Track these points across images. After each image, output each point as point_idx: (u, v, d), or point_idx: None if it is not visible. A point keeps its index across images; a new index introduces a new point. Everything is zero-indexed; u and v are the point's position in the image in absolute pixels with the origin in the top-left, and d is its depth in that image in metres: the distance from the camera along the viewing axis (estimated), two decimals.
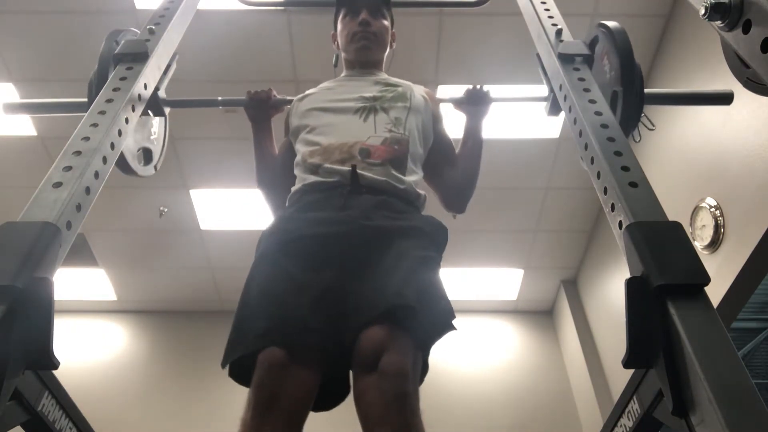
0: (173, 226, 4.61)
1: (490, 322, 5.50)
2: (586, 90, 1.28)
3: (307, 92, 1.57)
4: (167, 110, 1.59)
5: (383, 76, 1.61)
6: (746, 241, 2.90)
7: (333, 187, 1.29)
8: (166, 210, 4.48)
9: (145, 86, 1.39)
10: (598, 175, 1.09)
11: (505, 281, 5.37)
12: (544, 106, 1.56)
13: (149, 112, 1.52)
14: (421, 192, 1.39)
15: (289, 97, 1.63)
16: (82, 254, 4.97)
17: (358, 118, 1.41)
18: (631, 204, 0.96)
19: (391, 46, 1.68)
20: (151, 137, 1.65)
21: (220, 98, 1.67)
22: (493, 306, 5.53)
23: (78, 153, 1.09)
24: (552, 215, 4.68)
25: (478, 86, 1.58)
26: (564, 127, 3.98)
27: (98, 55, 1.48)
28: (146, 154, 1.61)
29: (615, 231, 1.00)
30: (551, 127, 4.03)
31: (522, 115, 4.09)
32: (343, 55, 1.65)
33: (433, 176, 1.53)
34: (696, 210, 3.28)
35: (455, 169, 1.54)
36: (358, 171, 1.29)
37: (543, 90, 1.53)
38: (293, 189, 1.38)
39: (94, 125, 1.17)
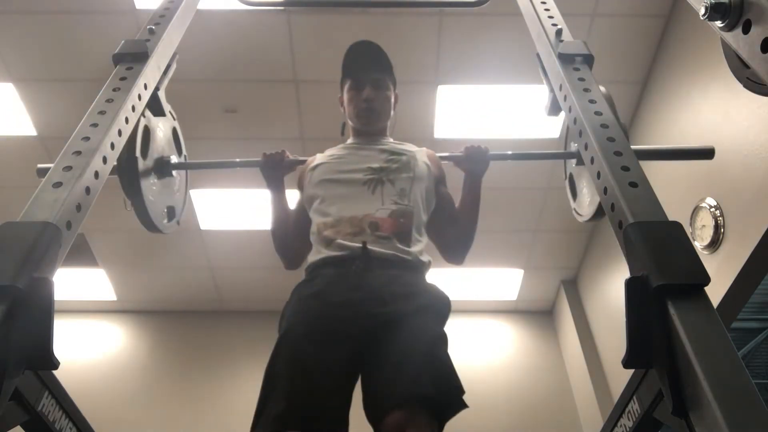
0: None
1: (490, 322, 5.50)
2: (586, 90, 1.28)
3: (317, 161, 1.66)
4: (179, 173, 1.72)
5: (389, 142, 1.70)
6: (746, 241, 2.90)
7: (346, 262, 1.39)
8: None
9: (145, 86, 1.39)
10: (598, 175, 1.09)
11: (505, 281, 5.37)
12: (544, 105, 1.57)
13: (172, 173, 1.63)
14: (425, 259, 1.49)
15: (301, 158, 1.72)
16: (82, 254, 4.97)
17: (367, 189, 1.52)
18: (631, 204, 0.96)
19: (394, 109, 1.77)
20: (174, 195, 1.69)
21: (238, 159, 1.79)
22: (493, 306, 5.53)
23: (78, 153, 1.09)
24: (552, 215, 4.67)
25: (477, 145, 1.66)
26: (564, 126, 3.98)
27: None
28: (170, 212, 1.68)
29: (615, 231, 1.00)
30: (551, 127, 4.03)
31: (522, 116, 4.09)
32: (349, 122, 1.74)
33: (434, 232, 1.62)
34: (696, 210, 3.28)
35: (455, 225, 1.64)
36: (368, 247, 1.39)
37: (547, 123, 1.54)
38: (310, 260, 1.48)
39: (94, 125, 1.17)
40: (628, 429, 1.16)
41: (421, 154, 1.65)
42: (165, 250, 4.91)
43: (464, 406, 1.21)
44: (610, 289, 4.61)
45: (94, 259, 5.09)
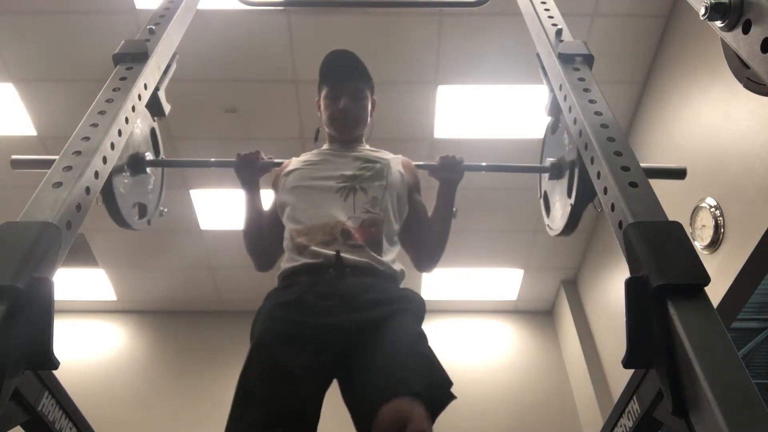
0: (173, 226, 4.60)
1: (490, 322, 5.50)
2: (586, 90, 1.28)
3: (292, 165, 1.66)
4: (155, 173, 1.69)
5: (365, 149, 1.70)
6: (746, 241, 2.90)
7: (320, 269, 1.39)
8: (166, 210, 4.48)
9: (145, 86, 1.39)
10: (598, 175, 1.09)
11: (505, 281, 5.37)
12: (544, 105, 1.57)
13: (146, 170, 1.60)
14: (398, 268, 1.49)
15: (276, 160, 1.71)
16: (82, 254, 4.96)
17: (339, 197, 1.51)
18: (631, 204, 0.96)
19: (371, 116, 1.76)
20: (148, 193, 1.67)
21: (213, 159, 1.81)
22: (493, 306, 5.53)
23: (78, 153, 1.09)
24: None
25: (452, 155, 1.66)
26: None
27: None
28: (141, 209, 1.64)
29: (615, 231, 1.00)
30: None
31: (522, 116, 4.09)
32: (326, 129, 1.74)
33: (406, 239, 1.62)
34: (696, 210, 3.28)
35: (427, 233, 1.63)
36: (342, 255, 1.39)
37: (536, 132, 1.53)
38: (283, 267, 1.47)
39: (94, 125, 1.17)
40: (628, 429, 1.16)
41: (396, 162, 1.65)
42: (165, 250, 4.91)
43: (453, 397, 1.21)
44: (610, 289, 4.61)
45: (94, 259, 5.09)
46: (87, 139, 1.12)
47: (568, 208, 1.50)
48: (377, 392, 1.16)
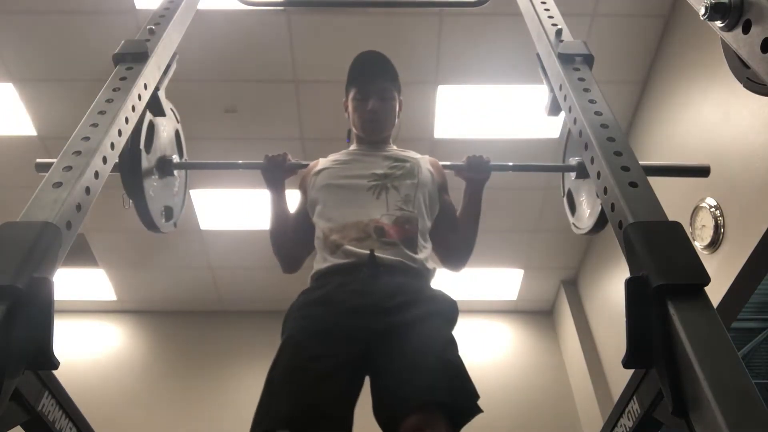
0: None
1: (490, 322, 5.50)
2: (586, 90, 1.27)
3: (321, 165, 1.67)
4: (179, 174, 1.73)
5: (393, 149, 1.71)
6: (746, 241, 2.90)
7: (354, 269, 1.38)
8: None
9: (145, 86, 1.39)
10: (598, 175, 1.09)
11: (505, 281, 5.37)
12: (544, 105, 1.56)
13: (173, 172, 1.63)
14: (431, 267, 1.49)
15: (303, 162, 1.72)
16: (82, 254, 4.97)
17: (372, 195, 1.52)
18: (631, 204, 0.96)
19: (398, 117, 1.77)
20: (174, 195, 1.69)
21: (240, 161, 1.80)
22: (493, 306, 5.53)
23: (78, 153, 1.09)
24: (552, 215, 4.67)
25: (479, 155, 1.67)
26: (564, 126, 3.99)
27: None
28: (168, 212, 1.66)
29: (615, 231, 1.00)
30: (551, 127, 4.03)
31: (522, 116, 4.09)
32: (353, 130, 1.74)
33: (435, 239, 1.62)
34: (696, 210, 3.28)
35: (456, 233, 1.64)
36: (376, 254, 1.38)
37: (546, 125, 1.54)
38: (316, 267, 1.47)
39: (94, 125, 1.17)
40: (628, 429, 1.15)
41: (424, 162, 1.66)
42: (165, 250, 4.92)
43: (479, 410, 1.21)
44: (610, 289, 4.61)
45: (94, 259, 5.09)
46: (87, 139, 1.12)
47: (598, 207, 1.50)
48: (403, 401, 1.16)
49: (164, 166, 1.60)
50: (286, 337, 1.32)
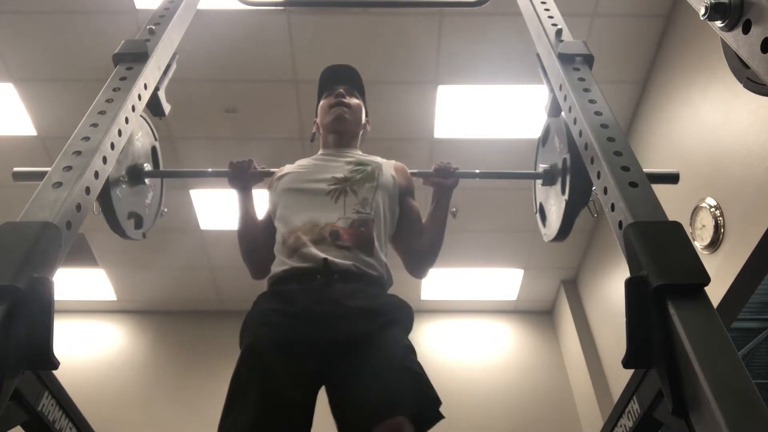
0: (173, 226, 4.60)
1: (490, 322, 5.50)
2: (586, 90, 1.28)
3: (285, 170, 1.69)
4: (154, 187, 1.71)
5: (357, 153, 1.72)
6: (746, 241, 2.90)
7: (308, 276, 1.39)
8: (165, 210, 4.49)
9: (145, 86, 1.39)
10: (598, 175, 1.09)
11: (505, 281, 5.37)
12: (544, 105, 1.57)
13: (144, 180, 1.62)
14: (387, 272, 1.50)
15: (270, 169, 1.73)
16: (82, 254, 4.96)
17: (330, 199, 1.53)
18: (631, 204, 0.96)
19: (365, 128, 1.81)
20: (145, 206, 1.67)
21: (210, 170, 1.85)
22: (493, 306, 5.53)
23: (78, 153, 1.09)
24: None
25: (446, 163, 1.69)
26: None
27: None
28: (137, 220, 1.63)
29: (615, 231, 1.00)
30: None
31: (522, 116, 4.09)
32: (321, 133, 1.78)
33: (399, 243, 1.63)
34: (696, 210, 3.28)
35: (421, 238, 1.63)
36: (329, 259, 1.39)
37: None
38: (273, 271, 1.48)
39: (94, 125, 1.17)
40: (628, 429, 1.15)
41: (388, 166, 1.67)
42: (165, 250, 4.91)
43: (441, 417, 1.23)
44: (610, 289, 4.61)
45: (94, 259, 5.08)
46: (87, 139, 1.12)
47: (562, 211, 1.50)
48: (368, 413, 1.17)
49: (135, 174, 1.56)
50: (247, 345, 1.32)
